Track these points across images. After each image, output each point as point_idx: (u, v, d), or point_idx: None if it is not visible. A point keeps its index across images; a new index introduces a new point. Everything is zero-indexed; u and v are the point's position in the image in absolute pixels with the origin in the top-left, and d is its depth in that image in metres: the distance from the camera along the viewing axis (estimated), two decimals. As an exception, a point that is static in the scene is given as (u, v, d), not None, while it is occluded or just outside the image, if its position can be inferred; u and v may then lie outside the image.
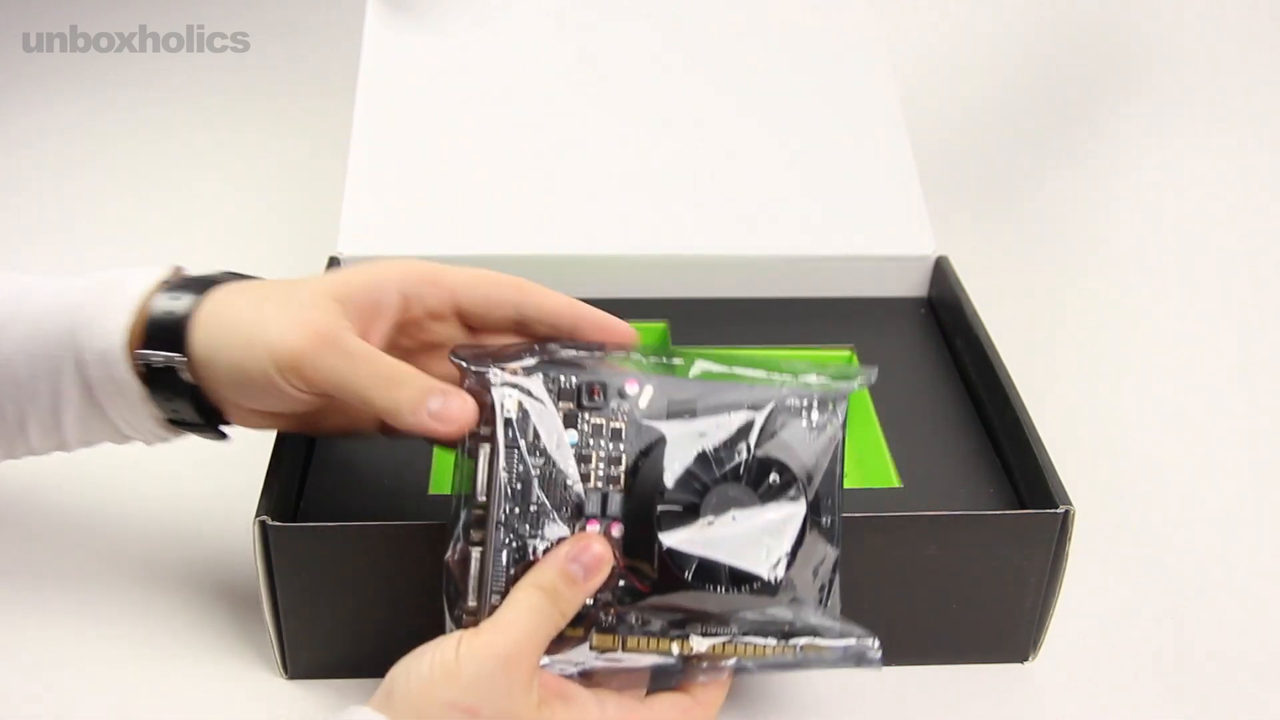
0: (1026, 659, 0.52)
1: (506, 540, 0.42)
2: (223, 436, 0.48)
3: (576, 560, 0.41)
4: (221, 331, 0.43)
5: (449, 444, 0.43)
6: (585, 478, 0.43)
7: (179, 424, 0.47)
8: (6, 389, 0.46)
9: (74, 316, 0.45)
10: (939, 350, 0.62)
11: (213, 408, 0.46)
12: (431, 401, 0.41)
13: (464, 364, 0.43)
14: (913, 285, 0.66)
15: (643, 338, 0.64)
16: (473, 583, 0.42)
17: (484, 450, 0.42)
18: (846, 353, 0.61)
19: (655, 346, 0.44)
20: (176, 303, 0.44)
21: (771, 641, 0.44)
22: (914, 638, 0.50)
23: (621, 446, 0.43)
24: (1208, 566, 0.58)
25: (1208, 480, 0.64)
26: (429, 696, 0.39)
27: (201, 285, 0.45)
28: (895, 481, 0.53)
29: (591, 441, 0.43)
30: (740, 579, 0.42)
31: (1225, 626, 0.55)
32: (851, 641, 0.44)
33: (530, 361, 0.43)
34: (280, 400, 0.43)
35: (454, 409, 0.42)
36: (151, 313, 0.44)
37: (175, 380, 0.44)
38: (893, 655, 0.45)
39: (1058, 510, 0.47)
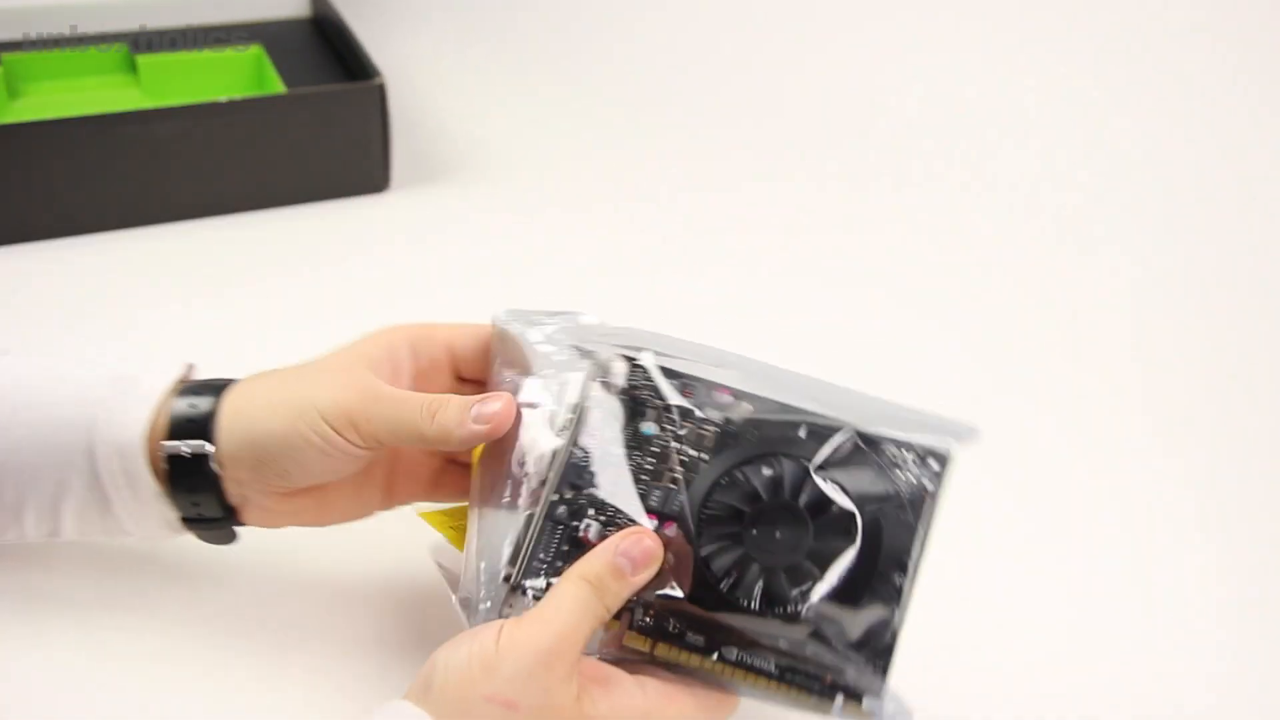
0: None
1: (560, 514, 0.42)
2: (233, 537, 0.50)
3: (626, 554, 0.41)
4: (256, 416, 0.46)
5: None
6: (657, 475, 0.42)
7: (194, 522, 0.48)
8: (10, 472, 0.46)
9: (92, 409, 0.47)
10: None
11: (230, 506, 0.48)
12: (473, 410, 0.45)
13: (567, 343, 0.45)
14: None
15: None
16: (510, 549, 0.42)
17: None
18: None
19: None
20: (199, 400, 0.47)
21: (814, 688, 0.41)
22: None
23: (700, 451, 0.43)
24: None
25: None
26: (467, 690, 0.39)
27: (216, 388, 0.48)
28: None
29: (670, 440, 0.43)
30: (772, 597, 0.41)
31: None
32: (890, 706, 0.41)
33: (628, 352, 0.44)
34: (326, 465, 0.46)
35: (492, 409, 0.45)
36: (174, 410, 0.47)
37: (201, 471, 0.46)
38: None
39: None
